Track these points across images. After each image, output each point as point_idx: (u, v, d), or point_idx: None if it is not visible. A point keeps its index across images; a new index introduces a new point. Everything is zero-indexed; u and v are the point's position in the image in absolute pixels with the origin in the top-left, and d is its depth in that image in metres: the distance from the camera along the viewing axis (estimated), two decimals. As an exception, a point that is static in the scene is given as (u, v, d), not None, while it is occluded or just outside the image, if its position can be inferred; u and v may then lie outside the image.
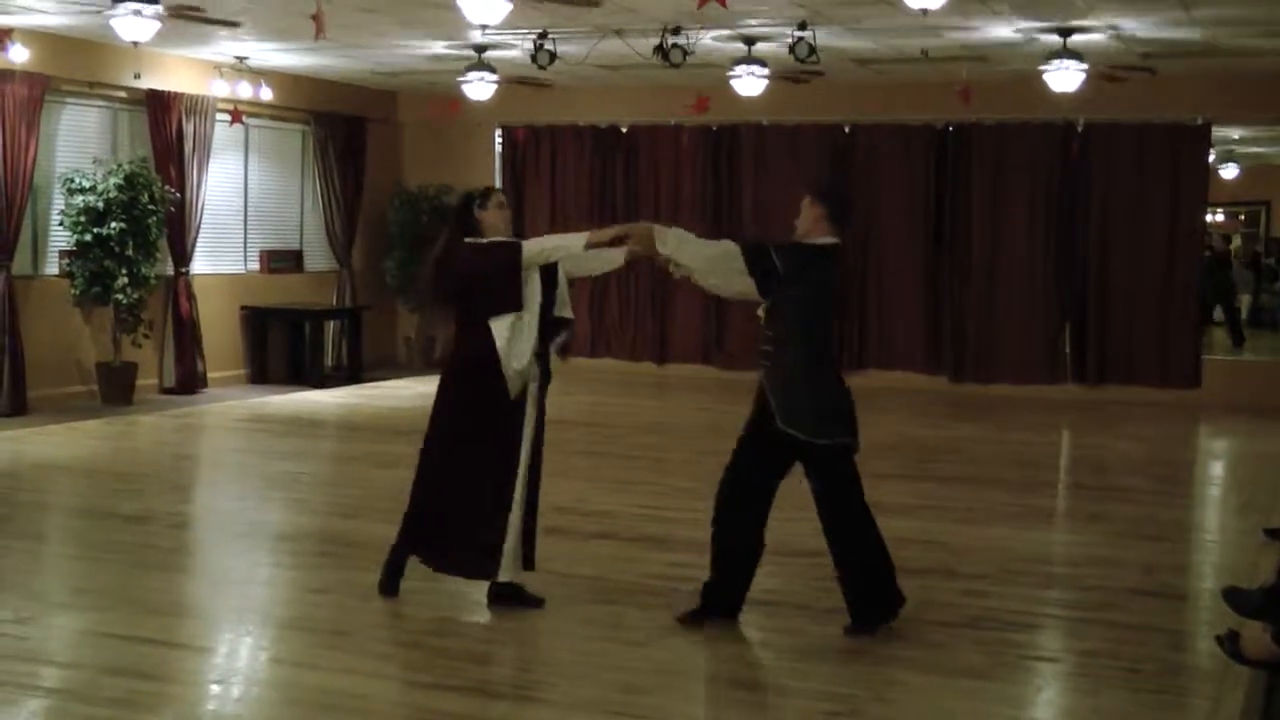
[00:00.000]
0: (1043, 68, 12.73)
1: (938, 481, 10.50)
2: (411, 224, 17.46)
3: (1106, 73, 12.84)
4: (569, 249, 6.63)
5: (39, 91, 13.12)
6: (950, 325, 16.18)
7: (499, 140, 18.09)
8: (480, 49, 13.76)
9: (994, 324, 16.03)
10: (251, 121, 16.06)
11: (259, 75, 15.35)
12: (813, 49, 11.97)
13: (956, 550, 8.14)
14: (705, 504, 9.20)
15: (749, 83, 13.35)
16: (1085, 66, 12.57)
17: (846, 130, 16.46)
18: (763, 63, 13.15)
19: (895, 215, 16.33)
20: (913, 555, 7.94)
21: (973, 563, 7.84)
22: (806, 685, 5.71)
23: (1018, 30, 12.17)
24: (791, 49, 12.06)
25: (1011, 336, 15.95)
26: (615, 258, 6.79)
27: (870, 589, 6.42)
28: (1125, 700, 5.61)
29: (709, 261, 6.42)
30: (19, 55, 12.48)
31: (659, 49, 12.33)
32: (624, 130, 17.46)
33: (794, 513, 9.04)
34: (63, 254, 13.75)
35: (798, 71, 12.93)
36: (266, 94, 15.47)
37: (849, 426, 6.44)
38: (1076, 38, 12.29)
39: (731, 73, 13.35)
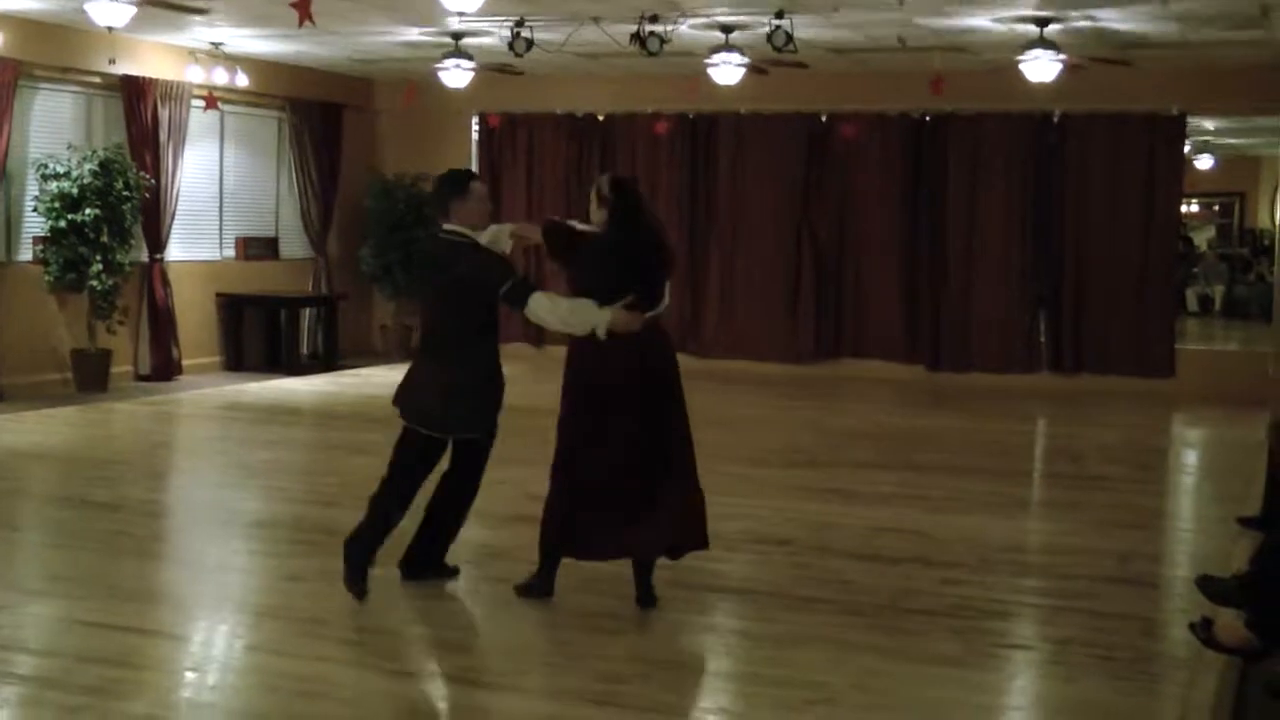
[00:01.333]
0: (1020, 58, 12.75)
1: (915, 470, 10.51)
2: (388, 212, 17.40)
3: (1077, 62, 12.86)
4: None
5: (11, 76, 13.02)
6: (927, 314, 16.21)
7: (475, 128, 18.04)
8: (457, 36, 13.72)
9: (970, 313, 16.06)
10: (227, 108, 15.97)
11: (235, 62, 15.28)
12: (790, 37, 11.96)
13: (934, 539, 8.15)
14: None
15: (726, 71, 13.35)
16: (1062, 56, 12.60)
17: (824, 119, 16.46)
18: (740, 51, 13.15)
19: (872, 205, 16.35)
20: (890, 544, 8.00)
21: (950, 551, 7.85)
22: (783, 673, 5.71)
23: (996, 19, 12.18)
24: (769, 37, 12.05)
25: (988, 326, 15.98)
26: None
27: None
28: (1100, 687, 5.63)
29: None
30: (-8, 40, 12.42)
31: (636, 37, 12.31)
32: (601, 119, 17.44)
33: (766, 501, 9.13)
34: (37, 240, 13.67)
35: (775, 60, 12.93)
36: (242, 80, 15.39)
37: None
38: (1054, 27, 12.32)
39: (709, 61, 13.34)
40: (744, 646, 6.23)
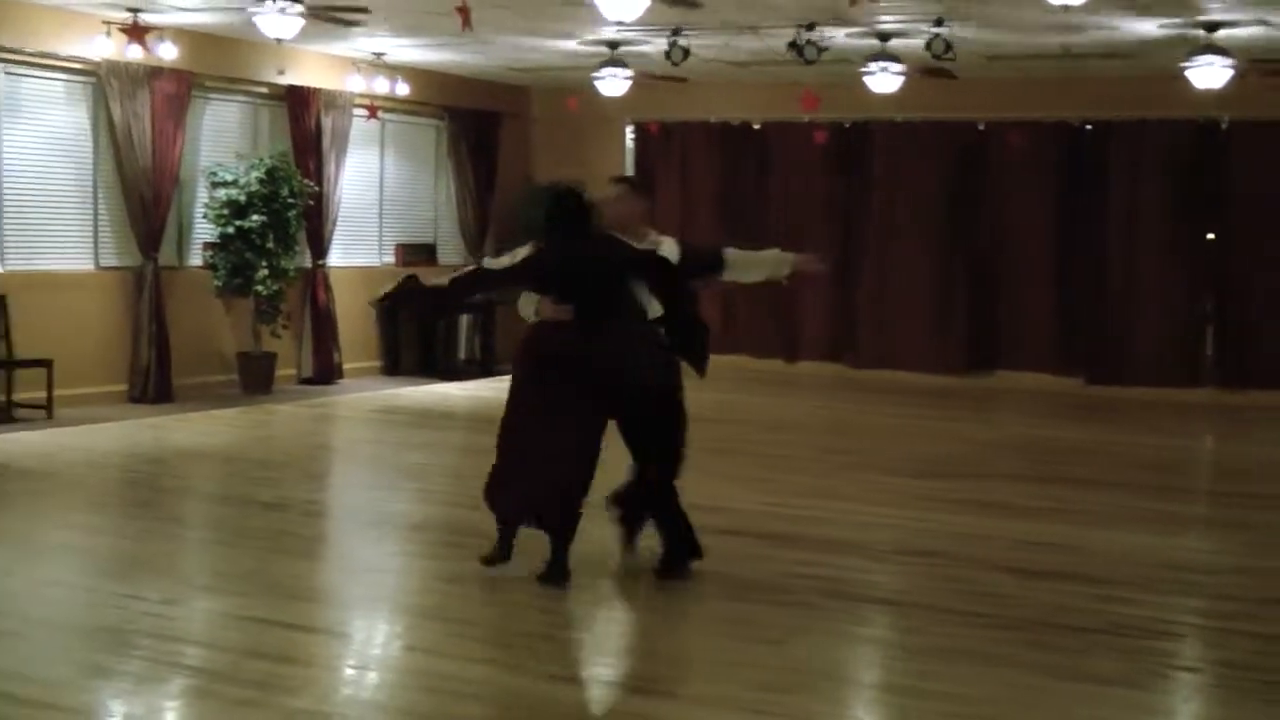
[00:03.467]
0: (1185, 64, 12.47)
1: (1070, 484, 10.34)
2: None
3: (1258, 69, 12.52)
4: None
5: (185, 88, 13.45)
6: (1084, 325, 15.92)
7: (630, 136, 18.15)
8: (614, 45, 13.82)
9: (1130, 325, 15.73)
10: (387, 116, 16.30)
11: (395, 71, 15.58)
12: (949, 45, 11.86)
13: (1090, 554, 8.01)
14: (832, 502, 9.34)
15: (882, 79, 13.26)
16: (1232, 62, 12.29)
17: (980, 128, 16.27)
18: (896, 59, 13.06)
19: (1028, 214, 16.13)
20: (1044, 559, 7.88)
21: (1106, 567, 7.70)
22: (938, 687, 5.65)
23: (1161, 26, 11.93)
24: (928, 45, 11.96)
25: (1149, 338, 15.64)
26: None
27: None
28: (1262, 713, 5.50)
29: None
30: (167, 53, 12.80)
31: (793, 45, 12.29)
32: (756, 127, 17.43)
33: (916, 513, 9.05)
34: (206, 246, 14.07)
35: (932, 68, 12.82)
36: (403, 89, 15.69)
37: None
38: (1223, 33, 12.01)
39: (865, 69, 13.26)
40: (898, 659, 6.17)
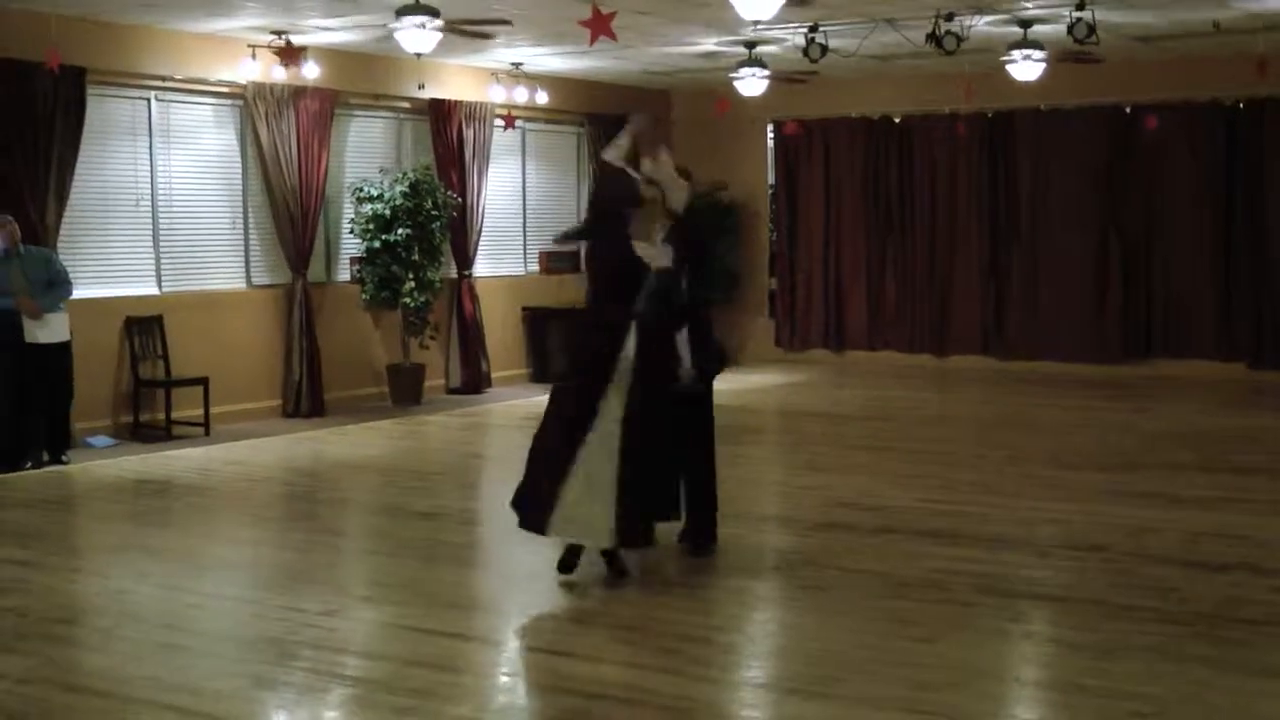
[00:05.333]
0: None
1: (1237, 473, 10.06)
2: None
3: None
4: None
5: (330, 106, 13.68)
6: (1246, 310, 15.44)
7: (770, 135, 18.06)
8: (751, 45, 13.76)
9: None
10: (527, 125, 16.41)
11: (534, 80, 15.68)
12: (1092, 29, 11.60)
13: (1262, 545, 7.77)
14: (990, 497, 9.18)
15: (1025, 67, 13.01)
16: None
17: (1128, 111, 15.90)
18: (1039, 45, 12.80)
19: (1182, 197, 15.71)
20: (1214, 550, 7.66)
21: (1280, 558, 7.47)
22: (1105, 684, 5.51)
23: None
24: (1070, 29, 11.71)
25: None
26: None
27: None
28: None
29: None
30: (311, 72, 13.02)
31: (932, 36, 12.12)
32: (897, 121, 17.24)
33: (1078, 505, 8.85)
34: (353, 260, 14.30)
35: (1075, 53, 12.54)
36: (542, 98, 15.79)
37: None
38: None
39: (1007, 58, 13.03)
40: (1062, 655, 6.03)
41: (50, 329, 10.78)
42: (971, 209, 16.71)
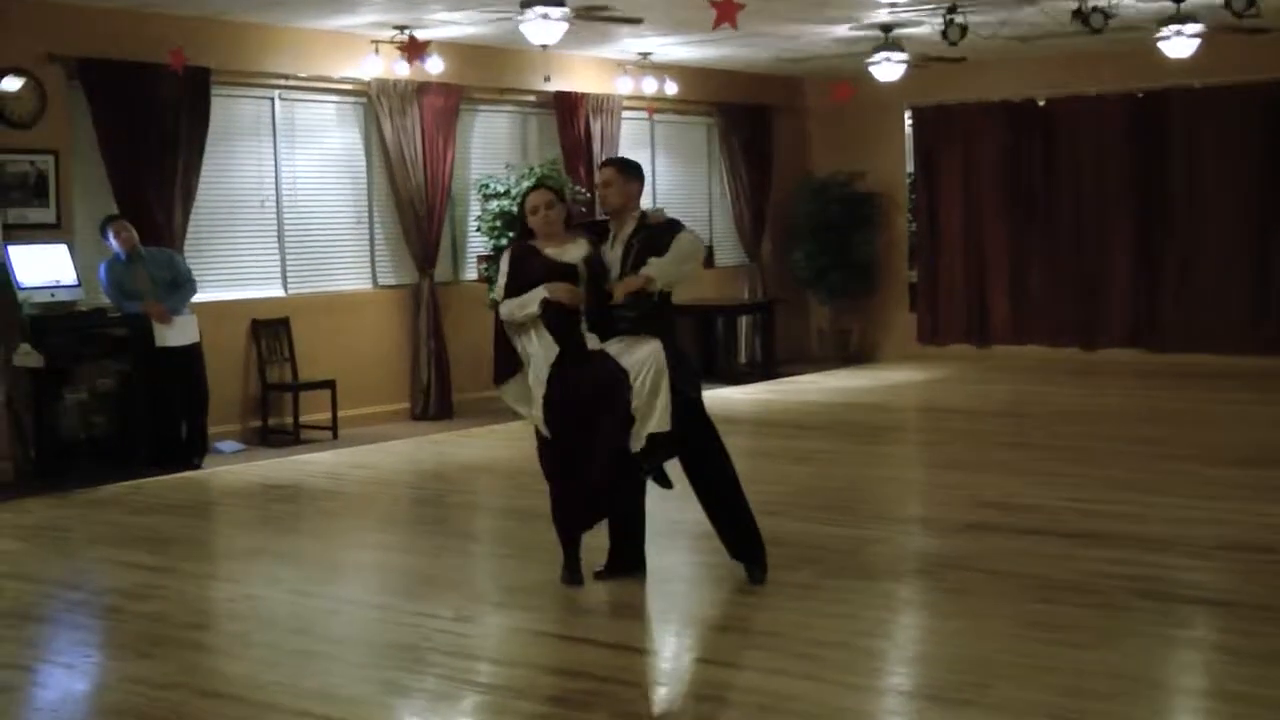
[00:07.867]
0: None
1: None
2: (819, 214, 17.25)
3: None
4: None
5: (454, 101, 13.58)
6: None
7: (909, 121, 17.65)
8: (887, 28, 13.41)
9: None
10: (657, 117, 16.19)
11: (663, 70, 15.45)
12: (1252, 0, 11.08)
13: None
14: (1144, 496, 8.80)
15: (1178, 44, 12.49)
16: None
17: (1289, 87, 15.23)
18: (1193, 19, 12.27)
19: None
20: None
21: None
22: (1274, 694, 5.19)
23: None
24: (1227, 3, 11.19)
25: None
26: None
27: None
28: None
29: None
30: (435, 67, 12.91)
31: (1078, 14, 11.68)
32: (1041, 104, 16.73)
33: (1239, 505, 8.43)
34: (480, 259, 14.16)
35: (1234, 26, 12.00)
36: (671, 88, 15.54)
37: None
38: None
39: (1159, 34, 12.52)
40: (1226, 663, 5.68)
41: (180, 331, 10.80)
42: (1121, 195, 16.14)
